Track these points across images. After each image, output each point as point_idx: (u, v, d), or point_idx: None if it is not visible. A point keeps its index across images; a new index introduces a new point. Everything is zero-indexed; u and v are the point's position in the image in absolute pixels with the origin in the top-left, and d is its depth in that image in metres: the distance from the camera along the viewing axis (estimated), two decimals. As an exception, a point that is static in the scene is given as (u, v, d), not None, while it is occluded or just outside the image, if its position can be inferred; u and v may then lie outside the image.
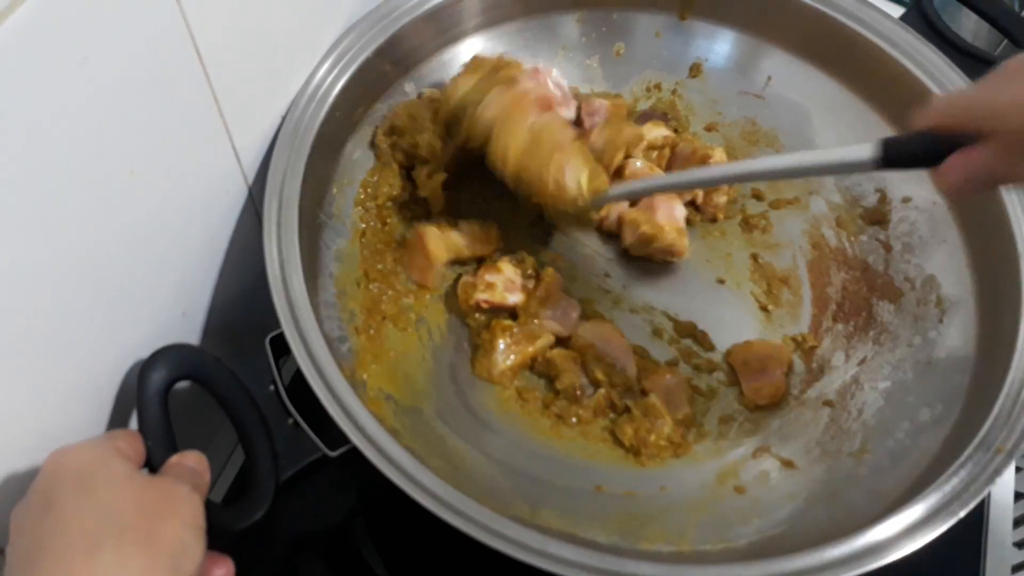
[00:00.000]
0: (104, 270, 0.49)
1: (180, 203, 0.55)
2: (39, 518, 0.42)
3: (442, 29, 0.75)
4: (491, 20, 0.78)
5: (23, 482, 0.47)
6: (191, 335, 0.63)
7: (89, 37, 0.41)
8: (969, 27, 1.02)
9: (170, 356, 0.54)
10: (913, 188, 0.74)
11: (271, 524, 0.67)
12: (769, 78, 0.82)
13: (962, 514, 0.52)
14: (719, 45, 0.83)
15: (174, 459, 0.51)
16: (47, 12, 0.38)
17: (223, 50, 0.53)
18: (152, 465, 0.51)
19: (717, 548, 0.58)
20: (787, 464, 0.65)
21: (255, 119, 0.61)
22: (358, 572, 0.67)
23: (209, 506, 0.51)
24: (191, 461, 0.51)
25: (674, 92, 0.84)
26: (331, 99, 0.65)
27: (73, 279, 0.46)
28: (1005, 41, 1.05)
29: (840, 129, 0.78)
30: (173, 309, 0.58)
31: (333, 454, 0.54)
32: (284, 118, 0.63)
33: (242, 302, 0.67)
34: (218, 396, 0.55)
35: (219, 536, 0.53)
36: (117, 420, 0.55)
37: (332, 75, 0.66)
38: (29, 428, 0.47)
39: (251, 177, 0.63)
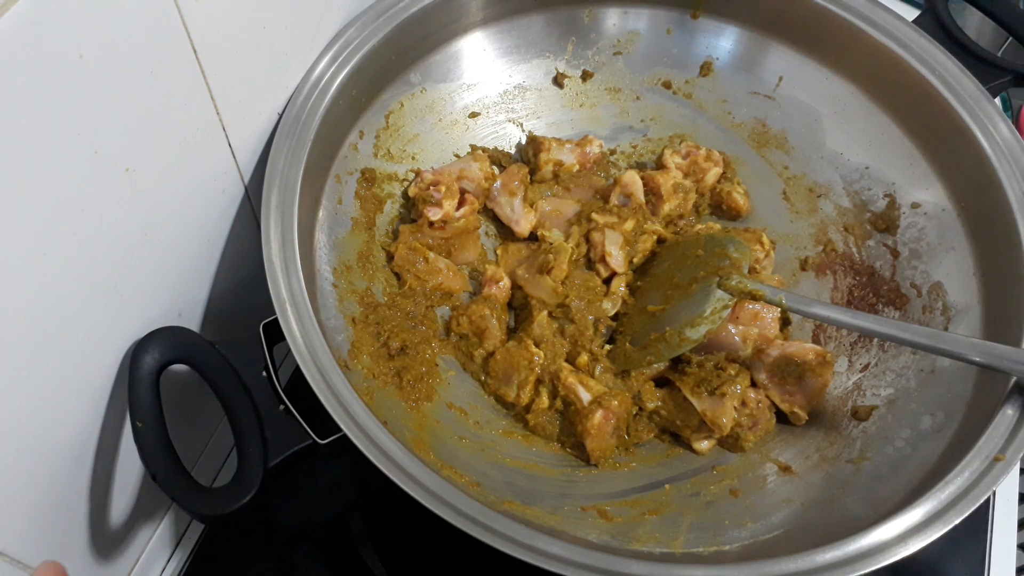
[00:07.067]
0: (98, 269, 0.48)
1: (175, 202, 0.54)
2: None
3: (449, 20, 0.75)
4: (500, 13, 0.78)
5: (20, 479, 0.47)
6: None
7: (85, 34, 0.41)
8: (973, 25, 1.01)
9: (163, 338, 0.54)
10: (922, 194, 0.73)
11: (268, 517, 0.67)
12: (780, 79, 0.81)
13: (957, 521, 0.51)
14: (730, 44, 0.82)
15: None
16: (43, 10, 0.38)
17: (219, 48, 0.52)
18: (141, 447, 0.51)
19: (709, 551, 0.57)
20: (785, 469, 0.64)
21: (252, 116, 0.60)
22: (354, 566, 0.67)
23: (199, 491, 0.51)
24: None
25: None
26: (333, 89, 0.65)
27: (66, 278, 0.46)
28: (1009, 40, 1.03)
29: (850, 132, 0.77)
30: (169, 310, 0.58)
31: (322, 442, 0.54)
32: (284, 109, 0.63)
33: (237, 300, 0.67)
34: (209, 380, 0.54)
35: (211, 521, 0.52)
36: (112, 421, 0.54)
37: (335, 66, 0.65)
38: (21, 430, 0.47)
39: (248, 176, 0.62)
